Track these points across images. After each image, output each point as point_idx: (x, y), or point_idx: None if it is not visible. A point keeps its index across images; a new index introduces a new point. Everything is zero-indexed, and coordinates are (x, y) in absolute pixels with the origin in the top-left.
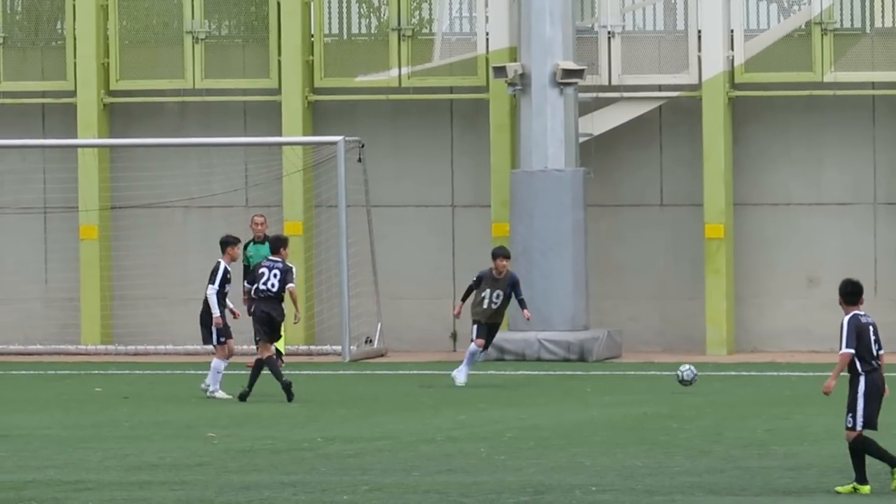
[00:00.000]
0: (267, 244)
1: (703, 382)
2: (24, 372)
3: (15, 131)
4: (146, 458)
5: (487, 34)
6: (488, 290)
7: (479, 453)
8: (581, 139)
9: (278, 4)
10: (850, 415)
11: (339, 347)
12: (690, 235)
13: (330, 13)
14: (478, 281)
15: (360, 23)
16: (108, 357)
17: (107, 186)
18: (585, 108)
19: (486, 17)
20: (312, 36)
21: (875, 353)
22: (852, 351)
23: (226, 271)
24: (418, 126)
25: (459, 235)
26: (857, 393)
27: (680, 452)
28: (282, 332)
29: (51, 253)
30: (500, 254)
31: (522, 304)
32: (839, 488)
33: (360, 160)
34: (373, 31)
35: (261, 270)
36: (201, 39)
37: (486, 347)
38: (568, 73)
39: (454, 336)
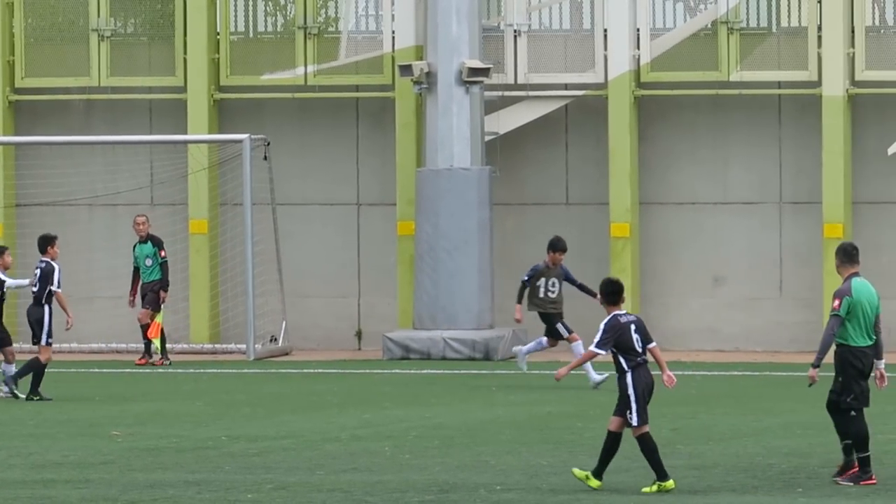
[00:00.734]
0: (149, 243)
1: (608, 381)
2: None
3: None
4: (50, 457)
5: (393, 32)
6: (543, 280)
7: (384, 452)
8: (487, 138)
9: (184, 2)
10: (629, 412)
11: (244, 346)
12: (596, 234)
13: (236, 11)
14: (532, 275)
15: (266, 21)
16: None
17: (11, 184)
18: (491, 107)
19: (392, 16)
20: (218, 34)
21: (641, 348)
22: (599, 351)
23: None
24: (324, 124)
25: (365, 234)
26: (626, 389)
27: (585, 451)
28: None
29: None
30: (559, 247)
31: (584, 288)
32: (645, 489)
33: (265, 158)
34: (279, 29)
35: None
36: (107, 37)
37: (554, 341)
38: (474, 71)
39: (359, 334)
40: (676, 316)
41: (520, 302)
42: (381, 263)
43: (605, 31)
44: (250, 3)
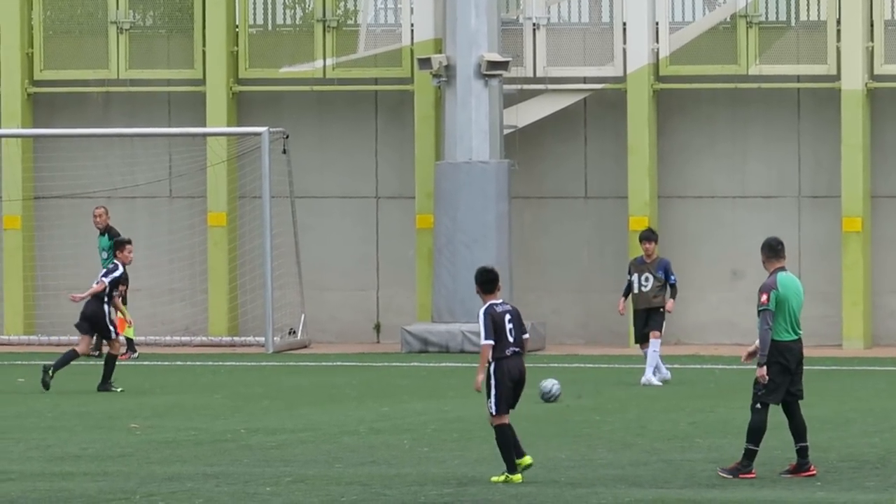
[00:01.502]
0: (106, 236)
1: (627, 375)
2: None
3: None
4: (69, 450)
5: (412, 26)
6: (636, 275)
7: (403, 445)
8: (506, 131)
9: None
10: (489, 401)
11: (262, 338)
12: (614, 228)
13: (255, 4)
14: (629, 270)
15: (284, 14)
16: (31, 347)
17: (30, 177)
18: (510, 100)
19: (411, 9)
20: (237, 27)
21: (514, 339)
22: (492, 342)
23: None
24: (343, 117)
25: (383, 227)
26: (490, 380)
27: (603, 445)
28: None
29: None
30: (644, 237)
31: (672, 290)
32: (494, 478)
33: (284, 151)
34: (298, 22)
35: None
36: (126, 30)
37: (654, 335)
38: (493, 64)
39: (377, 327)
40: (695, 309)
41: (625, 297)
42: (399, 256)
43: (624, 24)
44: None
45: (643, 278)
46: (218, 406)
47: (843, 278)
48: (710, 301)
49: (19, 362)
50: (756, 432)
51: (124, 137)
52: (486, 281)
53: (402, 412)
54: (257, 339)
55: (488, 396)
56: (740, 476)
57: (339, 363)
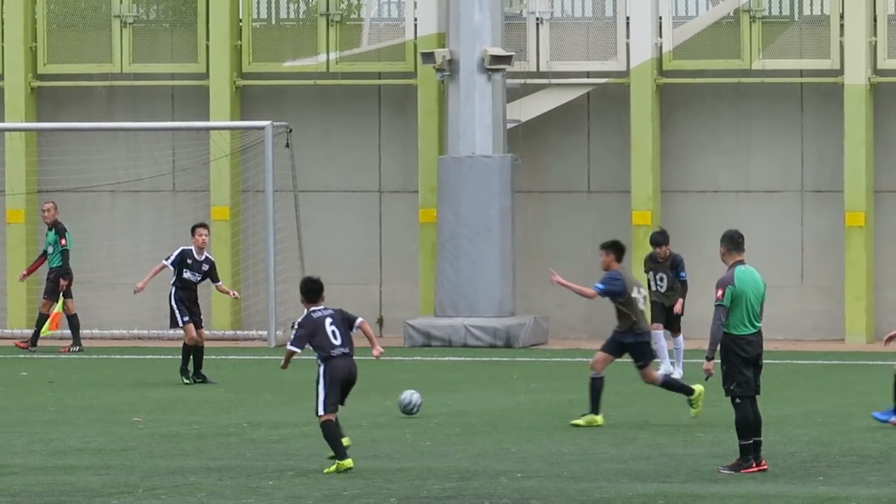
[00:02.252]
0: (53, 231)
1: (630, 369)
2: None
3: None
4: (71, 443)
5: (416, 20)
6: (650, 273)
7: (405, 439)
8: (509, 125)
9: None
10: (316, 401)
11: (265, 332)
12: (618, 222)
13: None
14: (645, 266)
15: (288, 8)
16: None
17: (34, 170)
18: (513, 95)
19: (415, 3)
20: (240, 20)
21: (340, 341)
22: (295, 349)
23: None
24: (346, 111)
25: (387, 221)
26: (317, 381)
27: (606, 439)
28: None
29: None
30: (655, 241)
31: (682, 287)
32: (327, 470)
33: (287, 145)
34: (301, 16)
35: None
36: (129, 24)
37: (675, 332)
38: (496, 59)
39: (381, 321)
40: (699, 304)
41: None
42: (402, 251)
43: (628, 18)
44: None
45: (658, 277)
46: (221, 400)
47: (845, 273)
48: (712, 296)
49: (22, 356)
50: (743, 427)
51: (128, 131)
52: (310, 291)
53: None
54: (260, 332)
55: (316, 396)
56: (742, 471)
57: None
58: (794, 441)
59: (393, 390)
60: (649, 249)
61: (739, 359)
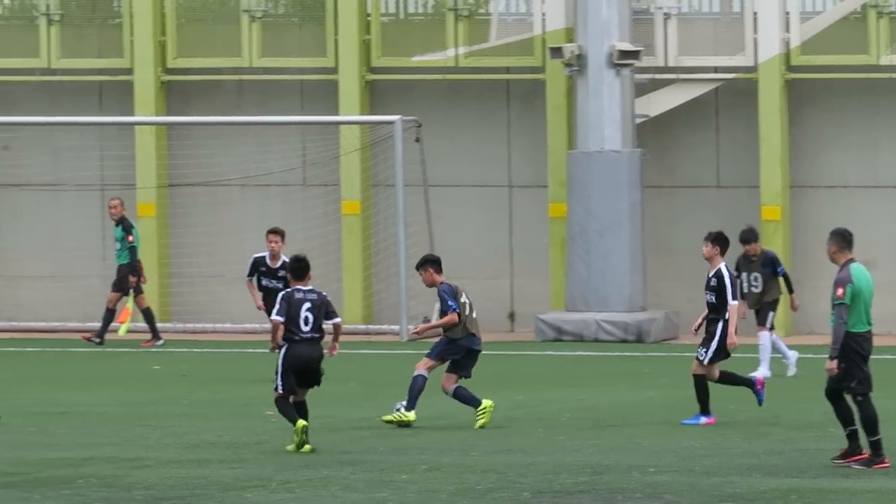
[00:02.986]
0: (120, 227)
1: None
2: (82, 349)
3: (72, 109)
4: (204, 437)
5: (544, 15)
6: (744, 275)
7: (537, 434)
8: (637, 120)
9: None
10: (275, 379)
11: (396, 327)
12: (747, 217)
13: None
14: (737, 267)
15: (416, 2)
16: (166, 335)
17: (164, 164)
18: (642, 90)
19: None
20: (369, 15)
21: (310, 326)
22: (281, 319)
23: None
24: (475, 106)
25: (516, 216)
26: (277, 360)
27: (737, 434)
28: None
29: (108, 230)
30: (744, 240)
31: (785, 281)
32: (288, 447)
33: (417, 140)
34: (429, 10)
35: None
36: (258, 18)
37: (770, 328)
38: (624, 54)
39: (512, 316)
40: (827, 299)
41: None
42: (532, 245)
43: (755, 14)
44: None
45: (752, 277)
46: (353, 394)
47: None
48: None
49: (154, 350)
50: (872, 423)
51: (257, 126)
52: (296, 269)
53: (537, 401)
54: (392, 327)
55: (276, 373)
56: (874, 467)
57: None
58: None
59: (524, 385)
60: (778, 245)
61: (859, 356)
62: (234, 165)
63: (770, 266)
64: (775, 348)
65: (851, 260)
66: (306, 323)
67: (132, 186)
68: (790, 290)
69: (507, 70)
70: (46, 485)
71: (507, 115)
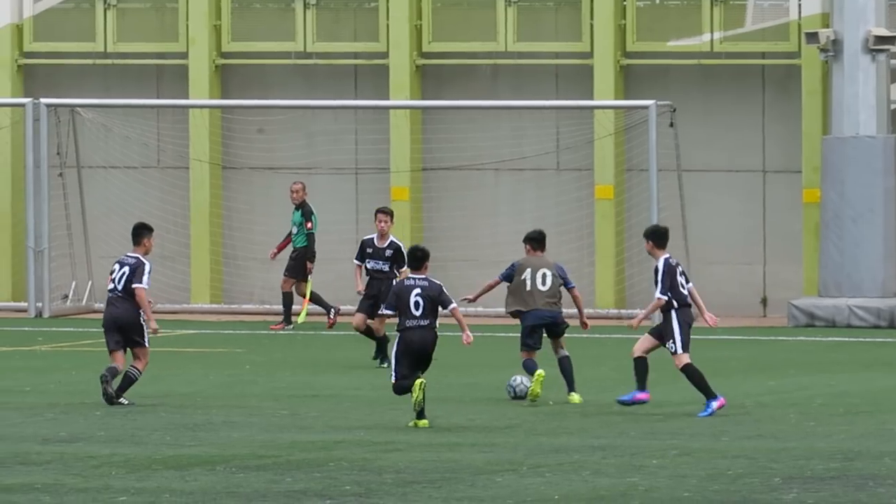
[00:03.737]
0: (299, 212)
1: None
2: (337, 333)
3: (327, 92)
4: (455, 421)
5: (800, 0)
6: None
7: (789, 419)
8: (893, 106)
9: None
10: (390, 367)
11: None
12: None
13: None
14: None
15: None
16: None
17: (418, 148)
18: None
19: None
20: (625, 0)
21: (420, 313)
22: (386, 312)
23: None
24: (729, 91)
25: (770, 201)
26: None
27: None
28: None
29: (362, 213)
30: None
31: None
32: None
33: (671, 125)
34: None
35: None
36: (514, 2)
37: None
38: (880, 39)
39: (764, 301)
40: None
41: None
42: (786, 231)
43: None
44: None
45: None
46: (605, 378)
47: None
48: None
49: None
50: None
51: (512, 110)
52: (414, 258)
53: (789, 386)
54: (642, 311)
55: (391, 363)
56: None
57: (724, 336)
58: None
59: (776, 370)
60: None
61: None
62: (488, 150)
63: None
64: None
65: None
66: (416, 307)
67: (386, 170)
68: None
69: (763, 55)
70: (298, 467)
71: (761, 99)
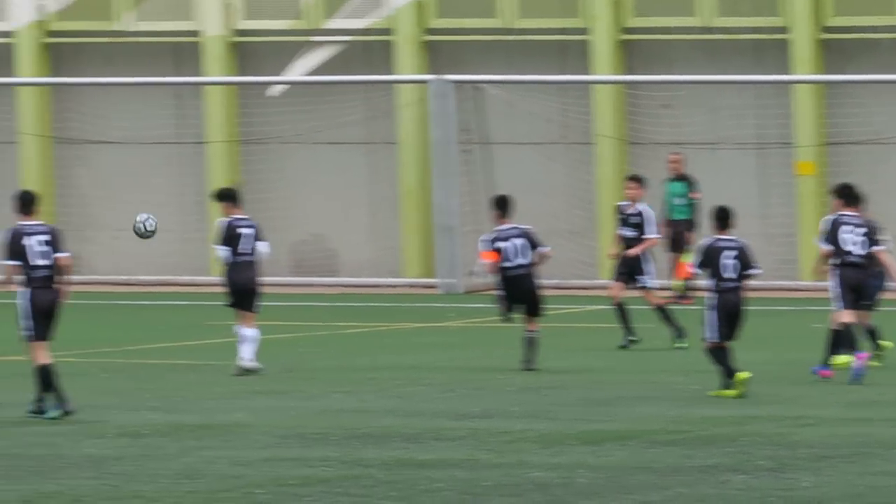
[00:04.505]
0: (683, 182)
1: None
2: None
3: (729, 67)
4: (866, 395)
5: None
6: None
7: None
8: None
9: None
10: (706, 328)
11: None
12: None
13: None
14: None
15: None
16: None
17: (822, 122)
18: None
19: None
20: None
21: (736, 274)
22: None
23: None
24: None
25: None
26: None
27: None
28: None
29: (765, 188)
30: None
31: None
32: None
33: None
34: None
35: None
36: None
37: None
38: None
39: None
40: None
41: None
42: None
43: None
44: None
45: None
46: None
47: None
48: None
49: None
50: None
51: None
52: (718, 218)
53: None
54: None
55: (708, 324)
56: None
57: None
58: None
59: None
60: None
61: None
62: (891, 123)
63: None
64: None
65: None
66: (728, 270)
67: (789, 145)
68: None
69: None
70: (710, 442)
71: None
